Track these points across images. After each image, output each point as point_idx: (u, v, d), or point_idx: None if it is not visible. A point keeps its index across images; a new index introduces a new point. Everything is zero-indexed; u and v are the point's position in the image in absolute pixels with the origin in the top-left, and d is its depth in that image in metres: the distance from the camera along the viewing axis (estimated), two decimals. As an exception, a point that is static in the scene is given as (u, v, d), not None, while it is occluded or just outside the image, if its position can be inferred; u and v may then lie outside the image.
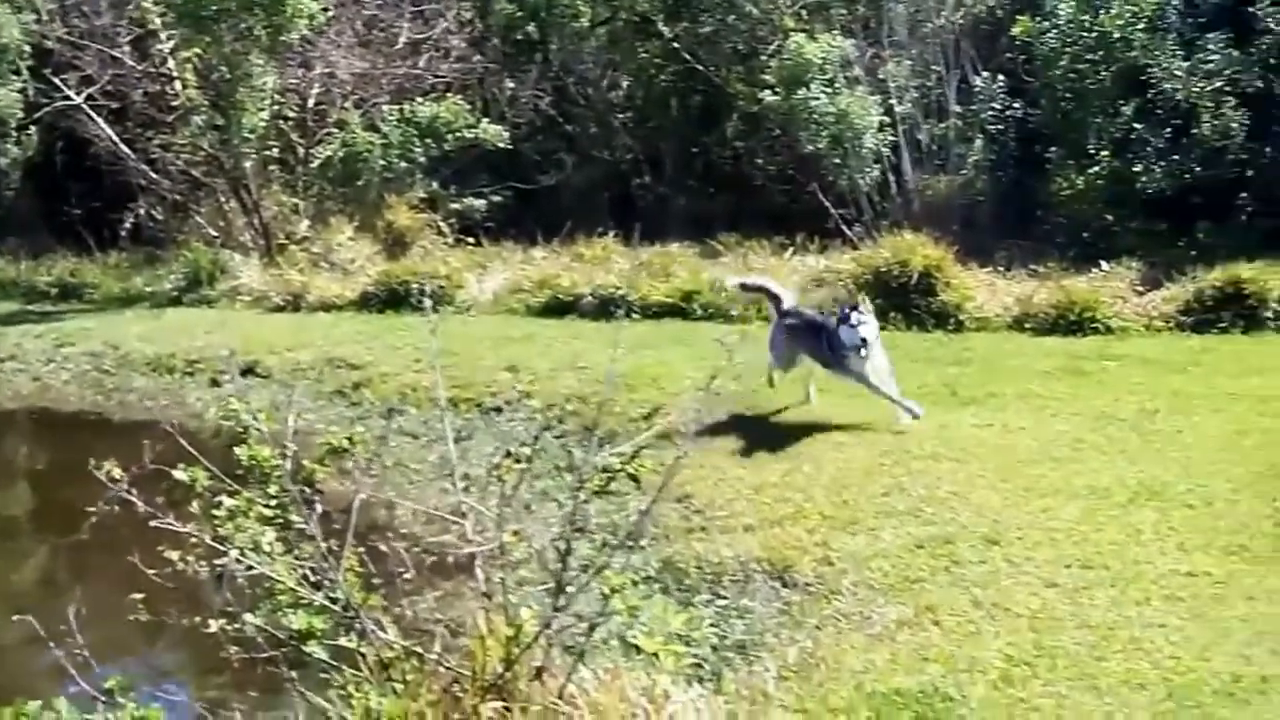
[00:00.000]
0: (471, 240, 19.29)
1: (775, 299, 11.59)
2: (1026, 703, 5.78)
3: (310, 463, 5.04)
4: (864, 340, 10.39)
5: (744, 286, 12.51)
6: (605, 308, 15.81)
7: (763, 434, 10.57)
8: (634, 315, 15.31)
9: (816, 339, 10.94)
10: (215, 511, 4.68)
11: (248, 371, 14.23)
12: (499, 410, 12.08)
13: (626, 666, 5.53)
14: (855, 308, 10.64)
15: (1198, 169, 15.22)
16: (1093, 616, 6.68)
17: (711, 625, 7.28)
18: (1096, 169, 15.73)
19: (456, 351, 13.50)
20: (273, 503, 4.79)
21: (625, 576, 4.84)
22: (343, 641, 4.60)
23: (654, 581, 7.92)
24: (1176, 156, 15.31)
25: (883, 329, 14.39)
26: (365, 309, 17.53)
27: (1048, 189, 16.18)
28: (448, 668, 4.82)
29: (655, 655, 4.98)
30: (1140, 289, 14.59)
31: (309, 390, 13.40)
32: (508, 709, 4.71)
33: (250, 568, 4.62)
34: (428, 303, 8.14)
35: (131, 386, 15.46)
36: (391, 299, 17.34)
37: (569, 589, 4.92)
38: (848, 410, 10.96)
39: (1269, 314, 13.62)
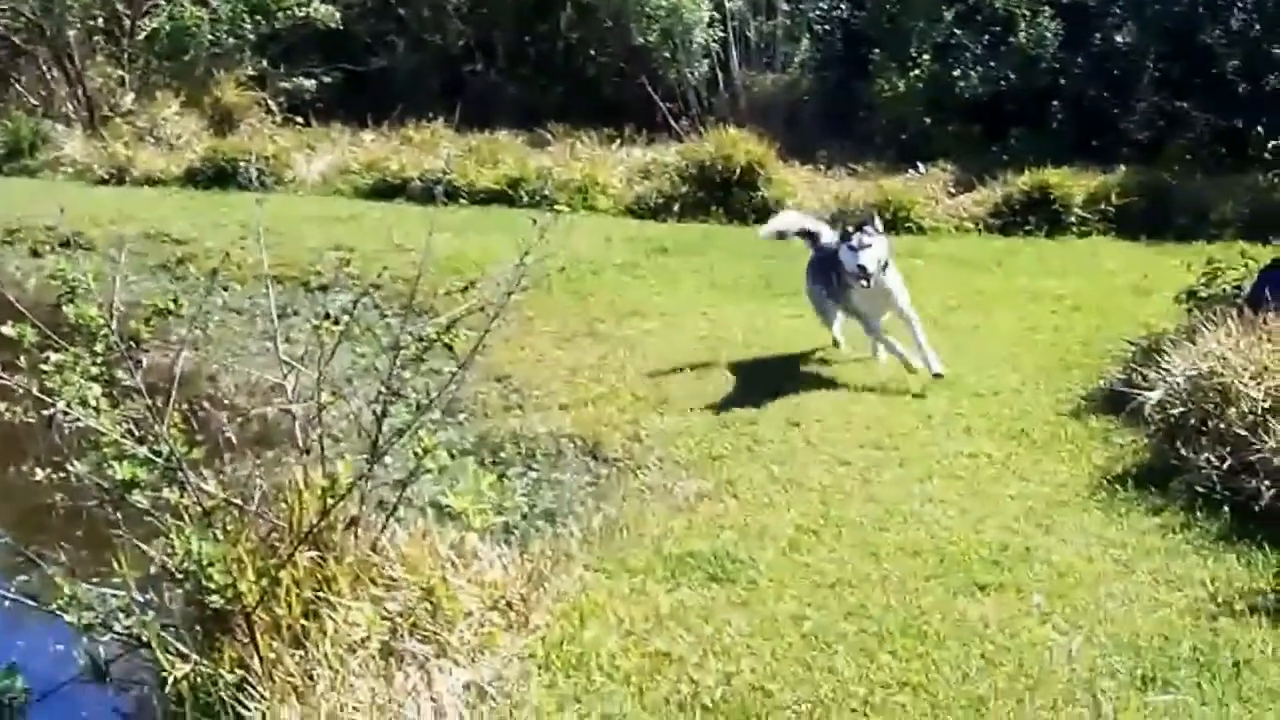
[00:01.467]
0: (300, 120, 19.22)
1: (812, 236, 9.87)
2: (811, 567, 6.19)
3: (136, 323, 5.23)
4: (862, 267, 8.71)
5: (780, 235, 10.30)
6: (432, 192, 15.93)
7: (581, 319, 10.89)
8: (460, 200, 15.47)
9: (830, 271, 9.29)
10: (43, 367, 4.86)
11: (71, 243, 14.14)
12: (323, 289, 12.25)
13: (438, 530, 5.83)
14: (860, 227, 8.95)
15: (1013, 76, 15.73)
16: (879, 492, 7.11)
17: (523, 495, 7.61)
18: (917, 72, 16.17)
19: (282, 230, 13.56)
20: (99, 360, 4.98)
21: (437, 439, 5.12)
22: (165, 493, 4.83)
23: (470, 455, 8.20)
24: (993, 63, 15.79)
25: (703, 222, 14.94)
26: (191, 185, 17.45)
27: (870, 90, 16.58)
28: (265, 518, 5.09)
29: (464, 514, 5.28)
30: (953, 191, 15.14)
31: (133, 264, 13.33)
32: (322, 559, 4.99)
33: (77, 421, 4.82)
34: (253, 174, 8.23)
35: (-53, 254, 15.29)
36: (218, 176, 17.29)
37: (383, 447, 5.20)
38: (662, 297, 11.38)
39: (1072, 219, 14.25)
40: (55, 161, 18.78)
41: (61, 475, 4.92)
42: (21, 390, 4.86)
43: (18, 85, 20.74)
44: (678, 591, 5.88)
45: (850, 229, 8.98)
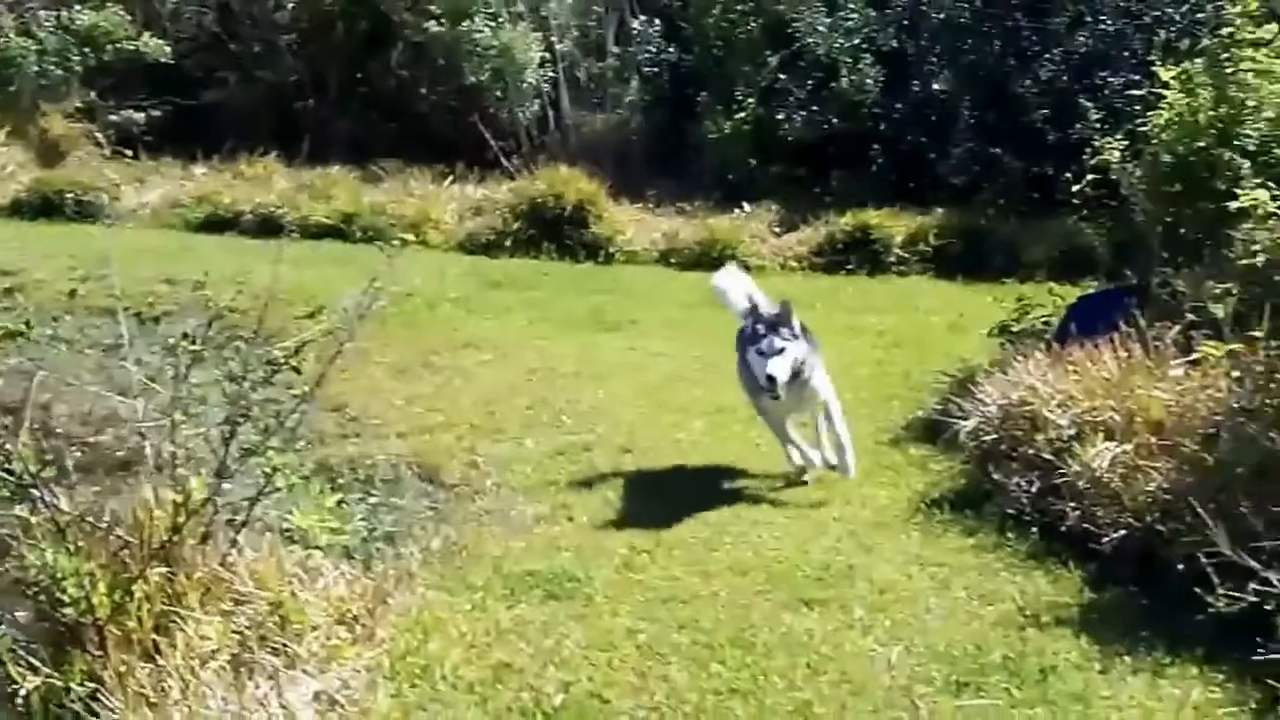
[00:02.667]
0: (129, 153, 19.04)
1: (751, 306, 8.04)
2: (645, 584, 6.43)
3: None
4: (771, 378, 7.37)
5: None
6: (265, 226, 16.05)
7: (416, 351, 11.05)
8: (294, 235, 15.61)
9: (742, 354, 7.83)
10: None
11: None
12: (157, 320, 12.21)
13: (285, 549, 5.98)
14: (775, 326, 7.51)
15: (835, 120, 16.19)
16: (709, 515, 7.38)
17: (362, 519, 7.73)
18: (743, 115, 16.54)
19: (115, 262, 13.54)
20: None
21: (286, 457, 5.29)
22: (16, 510, 4.93)
23: (309, 481, 8.31)
24: (817, 108, 16.22)
25: (535, 258, 15.20)
26: (16, 216, 17.28)
27: (698, 132, 16.97)
28: (116, 535, 5.21)
29: (309, 532, 5.47)
30: (778, 230, 15.60)
31: (-44, 294, 13.24)
32: (172, 575, 5.12)
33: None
34: (105, 202, 8.20)
35: None
36: (45, 207, 17.21)
37: (232, 466, 5.35)
38: (495, 330, 11.60)
39: (892, 258, 14.78)
40: (-125, 192, 18.42)
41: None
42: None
43: None
44: (517, 608, 6.10)
45: (761, 327, 7.54)
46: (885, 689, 5.35)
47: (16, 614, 5.17)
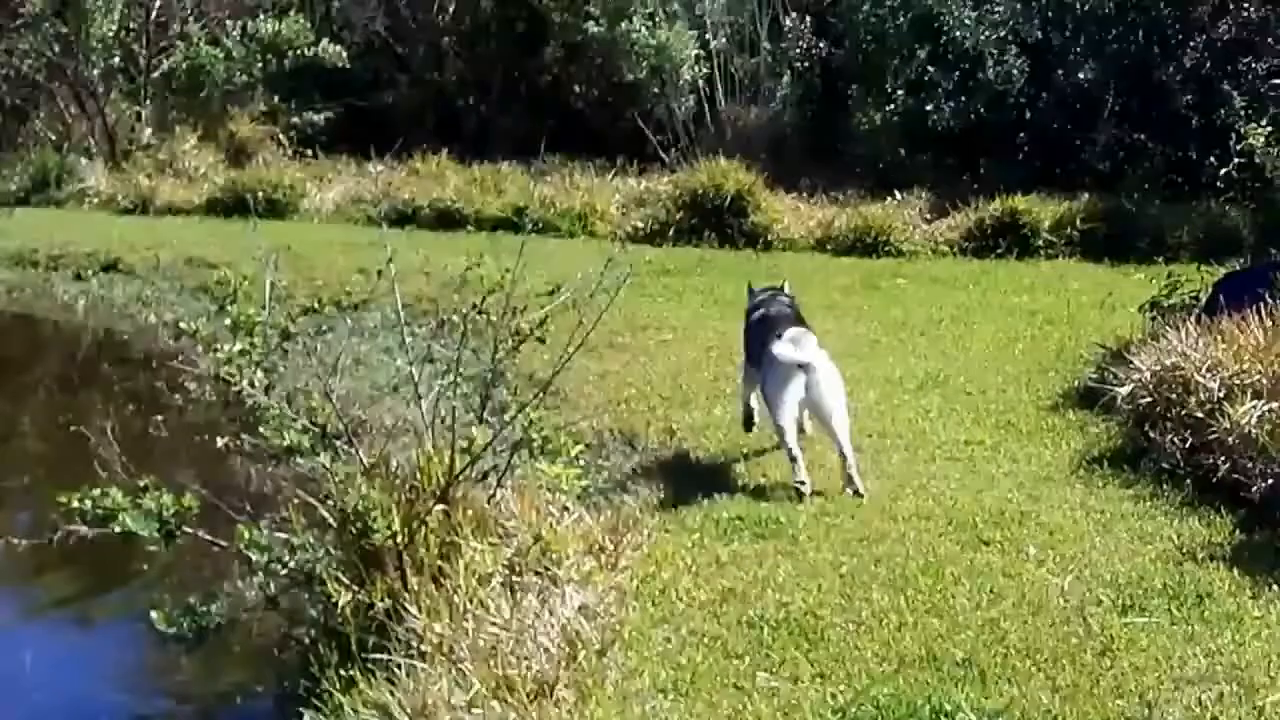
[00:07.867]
0: (309, 153, 20.28)
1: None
2: (840, 526, 7.22)
3: (284, 320, 6.30)
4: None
5: None
6: (443, 219, 17.09)
7: (600, 332, 11.80)
8: (468, 227, 16.68)
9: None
10: (217, 355, 5.92)
11: (110, 267, 15.19)
12: (355, 308, 13.19)
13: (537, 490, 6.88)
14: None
15: (983, 110, 16.91)
16: (889, 470, 8.18)
17: (577, 477, 8.63)
18: (893, 106, 17.31)
19: (310, 255, 14.64)
20: (257, 350, 6.04)
21: (539, 413, 6.19)
22: (321, 457, 5.86)
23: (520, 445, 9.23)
24: (964, 98, 16.95)
25: (697, 246, 16.05)
26: (212, 214, 18.52)
27: (849, 123, 17.79)
28: (402, 479, 6.12)
29: (559, 478, 6.39)
30: (929, 217, 16.34)
31: (172, 287, 14.37)
32: (449, 511, 6.02)
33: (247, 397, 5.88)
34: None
35: (-3, 279, 16.25)
36: (238, 205, 18.33)
37: (494, 421, 6.26)
38: (670, 312, 12.46)
39: (1040, 242, 15.46)
40: (80, 193, 19.92)
41: (237, 443, 5.97)
42: (206, 376, 5.92)
43: (38, 120, 21.72)
44: (732, 545, 6.93)
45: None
46: (1060, 609, 6.12)
47: (326, 543, 6.08)
